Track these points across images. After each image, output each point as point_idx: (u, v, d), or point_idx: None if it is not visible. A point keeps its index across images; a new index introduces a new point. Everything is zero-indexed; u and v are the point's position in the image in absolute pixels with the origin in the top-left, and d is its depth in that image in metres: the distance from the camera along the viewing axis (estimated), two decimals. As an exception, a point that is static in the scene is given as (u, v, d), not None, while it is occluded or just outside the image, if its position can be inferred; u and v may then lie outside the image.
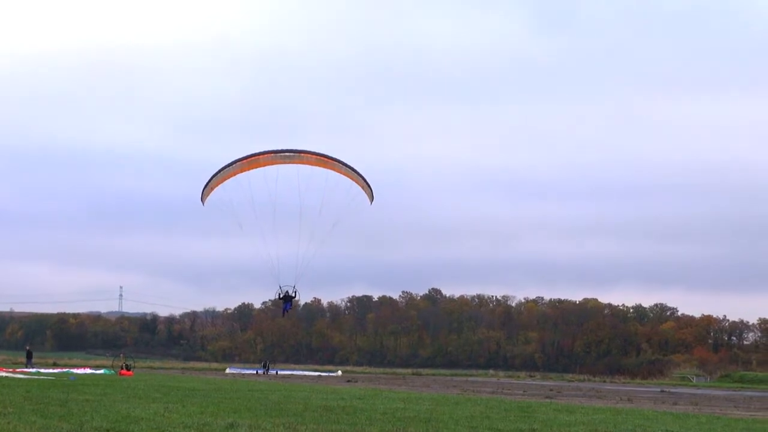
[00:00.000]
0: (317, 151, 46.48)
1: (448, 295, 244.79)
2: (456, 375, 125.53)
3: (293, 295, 48.81)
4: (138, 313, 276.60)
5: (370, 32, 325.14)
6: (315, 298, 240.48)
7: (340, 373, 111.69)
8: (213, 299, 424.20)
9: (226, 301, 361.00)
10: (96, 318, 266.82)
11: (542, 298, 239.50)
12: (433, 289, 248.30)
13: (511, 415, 28.90)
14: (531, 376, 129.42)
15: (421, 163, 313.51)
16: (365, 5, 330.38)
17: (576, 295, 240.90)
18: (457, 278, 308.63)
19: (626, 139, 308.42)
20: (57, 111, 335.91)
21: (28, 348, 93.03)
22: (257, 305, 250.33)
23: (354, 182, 46.76)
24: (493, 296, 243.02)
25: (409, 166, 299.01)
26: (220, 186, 46.21)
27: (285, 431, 20.75)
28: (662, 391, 74.88)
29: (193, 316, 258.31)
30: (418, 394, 45.75)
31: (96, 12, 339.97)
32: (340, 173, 46.30)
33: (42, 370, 74.92)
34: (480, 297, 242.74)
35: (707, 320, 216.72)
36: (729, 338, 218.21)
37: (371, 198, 47.83)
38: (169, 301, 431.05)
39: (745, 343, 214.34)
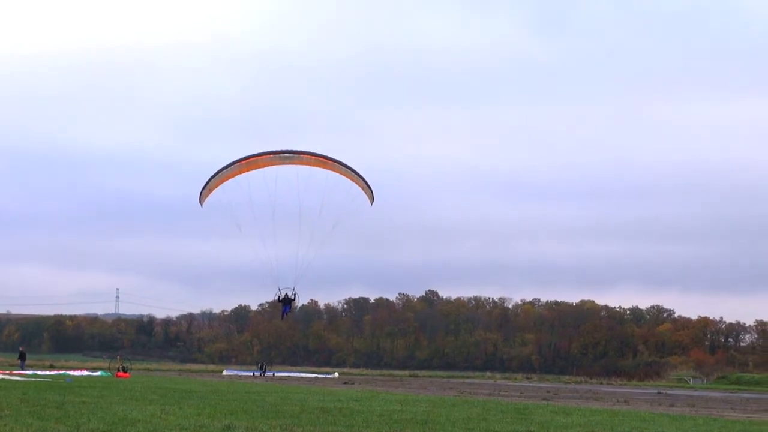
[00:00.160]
0: (317, 151, 46.23)
1: (444, 297, 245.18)
2: (453, 377, 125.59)
3: (293, 297, 48.45)
4: (135, 315, 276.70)
5: (370, 32, 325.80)
6: (312, 299, 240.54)
7: (336, 374, 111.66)
8: (210, 301, 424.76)
9: (222, 303, 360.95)
10: (93, 320, 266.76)
11: (539, 299, 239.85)
12: (429, 290, 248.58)
13: (507, 416, 28.90)
14: (528, 378, 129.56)
15: (419, 163, 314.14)
16: (365, 5, 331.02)
17: (573, 297, 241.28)
18: (454, 280, 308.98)
19: (625, 139, 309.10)
20: (55, 112, 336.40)
21: (21, 349, 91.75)
22: (254, 307, 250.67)
23: (354, 183, 46.50)
24: (489, 298, 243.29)
25: (407, 166, 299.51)
26: (219, 187, 45.95)
27: (282, 433, 20.74)
28: (659, 393, 74.90)
29: (189, 318, 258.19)
30: (415, 396, 45.74)
31: (96, 12, 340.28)
32: (340, 174, 45.98)
33: (38, 372, 74.89)
34: (477, 299, 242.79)
35: (704, 322, 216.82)
36: (726, 340, 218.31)
37: (371, 199, 47.53)
38: (165, 302, 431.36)
39: (741, 344, 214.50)
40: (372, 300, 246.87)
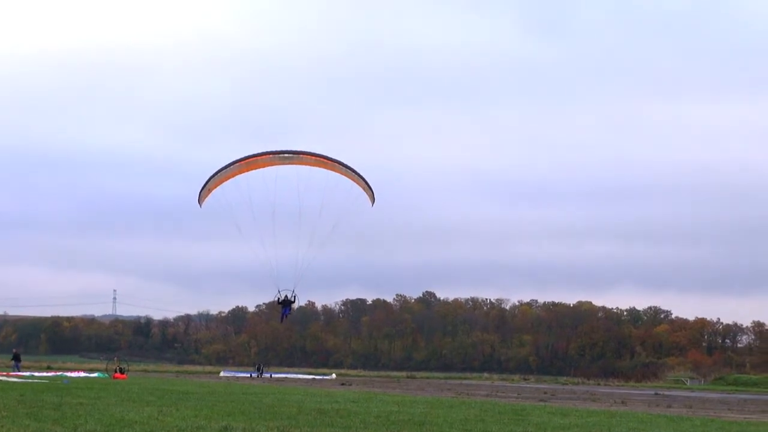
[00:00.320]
0: (317, 151, 46.05)
1: (442, 298, 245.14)
2: (450, 378, 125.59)
3: (292, 299, 48.14)
4: (132, 317, 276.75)
5: (368, 33, 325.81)
6: (309, 301, 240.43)
7: (334, 376, 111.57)
8: (207, 302, 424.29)
9: (220, 305, 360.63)
10: (90, 321, 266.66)
11: (536, 301, 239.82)
12: (427, 292, 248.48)
13: (505, 418, 28.90)
14: (525, 379, 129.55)
15: (416, 164, 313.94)
16: (361, 6, 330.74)
17: (570, 298, 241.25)
18: (452, 281, 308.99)
19: (622, 140, 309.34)
20: (54, 112, 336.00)
21: (15, 351, 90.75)
22: (251, 308, 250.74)
23: (355, 183, 46.24)
24: (487, 299, 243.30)
25: (404, 167, 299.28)
26: (218, 188, 45.66)
27: (279, 434, 20.73)
28: (656, 394, 74.93)
29: (187, 319, 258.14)
30: (413, 398, 45.72)
31: (94, 13, 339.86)
32: (341, 174, 45.63)
33: (35, 374, 74.82)
34: (474, 300, 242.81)
35: (701, 323, 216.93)
36: (723, 341, 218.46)
37: (372, 199, 47.24)
38: (163, 304, 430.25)
39: (738, 345, 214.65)
40: (369, 301, 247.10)
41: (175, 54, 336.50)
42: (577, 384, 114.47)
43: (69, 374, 76.38)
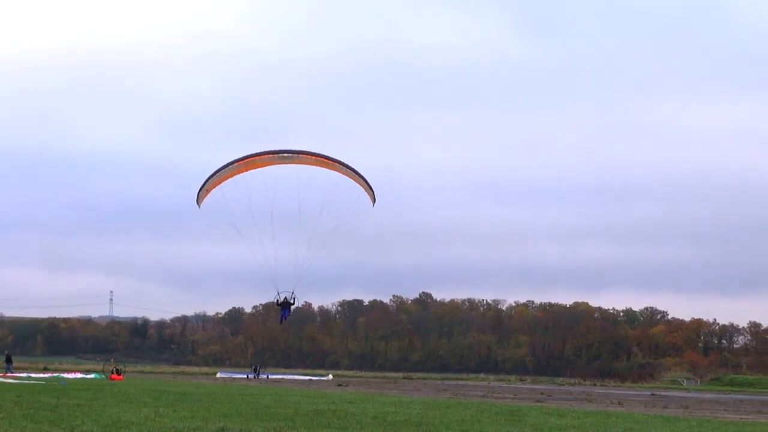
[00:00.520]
0: (317, 151, 45.78)
1: (438, 299, 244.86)
2: (447, 379, 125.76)
3: (292, 301, 47.79)
4: (129, 318, 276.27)
5: (362, 34, 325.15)
6: (306, 302, 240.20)
7: (330, 377, 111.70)
8: (204, 303, 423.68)
9: (216, 305, 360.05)
10: (86, 322, 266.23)
11: (533, 301, 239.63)
12: (423, 293, 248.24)
13: (501, 418, 28.94)
14: (522, 380, 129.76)
15: (411, 165, 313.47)
16: (358, 7, 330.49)
17: (566, 299, 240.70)
18: (448, 282, 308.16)
19: (617, 141, 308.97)
20: (48, 112, 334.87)
21: (7, 353, 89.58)
22: (248, 309, 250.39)
23: (356, 183, 45.92)
24: (483, 300, 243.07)
25: (400, 168, 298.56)
26: (216, 188, 45.29)
27: (276, 435, 20.76)
28: (653, 395, 75.04)
29: (183, 320, 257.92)
30: (409, 398, 45.76)
31: (88, 12, 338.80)
32: (342, 174, 45.18)
33: (32, 375, 74.83)
34: (470, 301, 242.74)
35: (697, 324, 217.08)
36: (719, 342, 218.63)
37: (373, 199, 46.85)
38: (159, 305, 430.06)
39: (735, 346, 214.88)
40: (366, 302, 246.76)
41: (172, 54, 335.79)
42: (574, 385, 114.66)
43: (66, 375, 76.44)
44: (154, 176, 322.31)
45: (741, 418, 37.37)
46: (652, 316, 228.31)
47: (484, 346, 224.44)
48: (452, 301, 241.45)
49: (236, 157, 44.64)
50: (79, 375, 79.61)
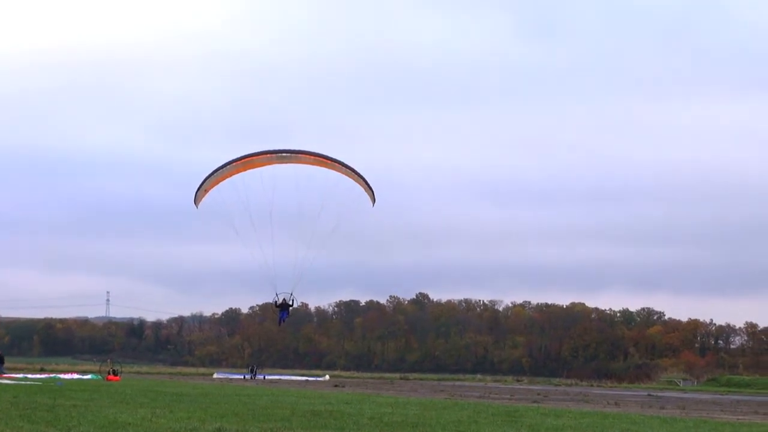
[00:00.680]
0: (316, 151, 45.44)
1: (435, 300, 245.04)
2: (443, 379, 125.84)
3: (291, 303, 47.51)
4: (125, 318, 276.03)
5: (358, 35, 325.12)
6: (302, 302, 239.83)
7: (327, 377, 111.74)
8: (200, 304, 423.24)
9: (213, 306, 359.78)
10: (83, 323, 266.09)
11: (529, 302, 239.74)
12: (420, 293, 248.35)
13: (498, 419, 28.92)
14: (518, 381, 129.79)
15: (409, 166, 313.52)
16: (356, 7, 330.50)
17: (563, 300, 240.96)
18: (445, 283, 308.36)
19: (614, 142, 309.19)
20: (44, 112, 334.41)
21: (0, 353, 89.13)
22: (245, 310, 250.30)
23: (355, 183, 45.69)
24: (480, 300, 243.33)
25: (397, 168, 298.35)
26: (214, 188, 44.99)
27: (272, 436, 20.74)
28: (649, 395, 75.08)
29: (180, 320, 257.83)
30: (406, 399, 45.73)
31: (84, 11, 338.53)
32: (341, 174, 44.76)
33: (29, 376, 74.75)
34: (467, 301, 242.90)
35: (694, 324, 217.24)
36: (716, 342, 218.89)
37: (373, 199, 46.53)
38: (156, 305, 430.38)
39: (731, 347, 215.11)
40: (362, 303, 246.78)
41: (170, 53, 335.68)
42: (570, 385, 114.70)
43: (62, 376, 76.37)
44: (150, 176, 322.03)
45: (738, 419, 37.37)
46: (648, 316, 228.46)
47: (480, 347, 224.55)
48: (449, 302, 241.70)
49: (234, 157, 44.43)
50: (75, 376, 79.53)
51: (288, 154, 44.48)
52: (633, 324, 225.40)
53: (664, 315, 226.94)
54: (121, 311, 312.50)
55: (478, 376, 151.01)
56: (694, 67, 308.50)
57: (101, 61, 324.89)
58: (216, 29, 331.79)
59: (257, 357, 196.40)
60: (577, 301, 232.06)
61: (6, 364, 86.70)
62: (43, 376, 77.38)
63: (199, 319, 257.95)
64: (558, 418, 31.23)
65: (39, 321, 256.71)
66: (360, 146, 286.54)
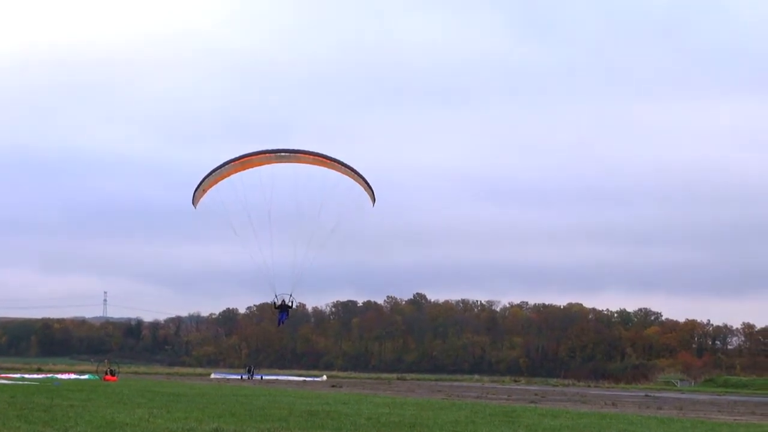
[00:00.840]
0: (315, 150, 45.09)
1: (432, 300, 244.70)
2: (441, 380, 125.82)
3: (290, 304, 47.28)
4: (123, 318, 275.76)
5: (356, 34, 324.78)
6: (300, 302, 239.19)
7: (324, 377, 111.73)
8: (198, 304, 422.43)
9: (210, 306, 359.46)
10: (80, 323, 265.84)
11: (527, 302, 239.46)
12: (417, 294, 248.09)
13: (495, 419, 28.95)
14: (516, 381, 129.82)
15: (406, 166, 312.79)
16: (353, 7, 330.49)
17: (560, 300, 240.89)
18: (442, 283, 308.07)
19: (611, 142, 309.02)
20: (41, 113, 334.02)
21: None
22: (242, 310, 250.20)
23: (355, 182, 45.47)
24: (477, 301, 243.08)
25: (394, 169, 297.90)
26: (212, 188, 44.69)
27: (270, 436, 20.75)
28: (647, 396, 75.15)
29: (177, 321, 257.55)
30: (403, 399, 45.76)
31: (81, 11, 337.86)
32: (341, 173, 44.50)
33: (26, 376, 74.74)
34: (465, 302, 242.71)
35: (691, 325, 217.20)
36: (713, 343, 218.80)
37: (373, 199, 46.27)
38: (153, 305, 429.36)
39: (729, 347, 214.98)
40: (360, 303, 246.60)
41: (166, 53, 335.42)
42: (568, 386, 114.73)
43: (59, 376, 76.36)
44: (148, 177, 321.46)
45: (735, 419, 37.42)
46: (646, 317, 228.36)
47: (478, 347, 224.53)
48: (446, 302, 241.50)
49: (233, 157, 44.17)
50: (72, 376, 79.52)
51: (287, 154, 44.20)
52: (630, 324, 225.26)
53: (662, 315, 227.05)
54: (118, 311, 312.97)
55: (476, 376, 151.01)
56: (692, 66, 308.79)
57: (99, 61, 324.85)
58: (216, 28, 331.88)
59: (254, 357, 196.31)
60: (574, 301, 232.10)
61: (3, 365, 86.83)
62: (40, 376, 77.36)
63: (196, 320, 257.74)
64: (555, 418, 31.26)
65: (36, 321, 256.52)
66: (358, 146, 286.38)
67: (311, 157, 44.29)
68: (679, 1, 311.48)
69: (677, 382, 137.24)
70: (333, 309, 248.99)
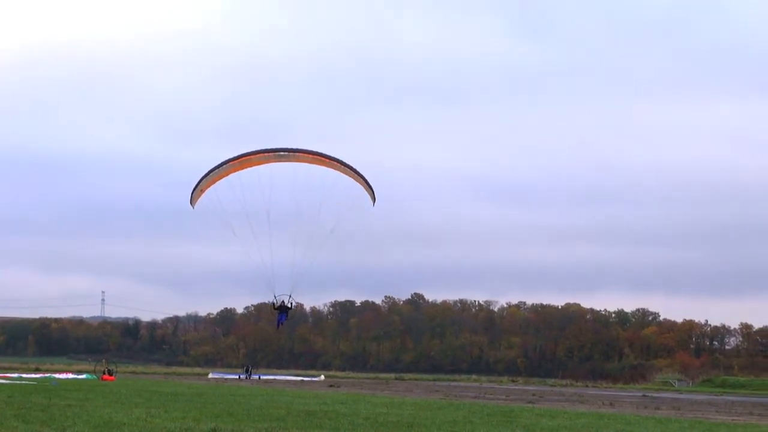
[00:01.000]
0: (314, 149, 44.74)
1: (430, 300, 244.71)
2: (439, 380, 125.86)
3: (289, 305, 47.09)
4: (120, 318, 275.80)
5: (354, 34, 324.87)
6: (297, 302, 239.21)
7: (322, 377, 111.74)
8: (195, 304, 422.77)
9: (208, 306, 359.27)
10: (78, 323, 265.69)
11: (525, 303, 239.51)
12: (415, 293, 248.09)
13: (493, 419, 28.94)
14: (513, 381, 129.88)
15: (404, 166, 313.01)
16: (353, 7, 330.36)
17: (558, 300, 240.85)
18: (440, 283, 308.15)
19: (609, 142, 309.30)
20: (40, 113, 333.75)
21: None
22: (240, 310, 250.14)
23: (355, 182, 45.24)
24: (475, 301, 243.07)
25: (392, 169, 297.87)
26: (211, 188, 44.45)
27: (267, 436, 20.73)
28: (644, 396, 75.13)
29: (175, 320, 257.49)
30: (401, 399, 45.74)
31: (79, 10, 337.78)
32: (340, 172, 44.18)
33: (24, 375, 74.69)
34: (463, 302, 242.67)
35: (689, 325, 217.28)
36: (711, 343, 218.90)
37: (373, 198, 46.00)
38: (151, 305, 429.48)
39: (726, 347, 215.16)
40: (358, 303, 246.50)
41: (166, 53, 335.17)
42: (566, 386, 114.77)
43: (57, 376, 76.33)
44: (145, 176, 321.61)
45: (732, 420, 37.42)
46: (643, 317, 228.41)
47: (476, 347, 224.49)
48: (444, 302, 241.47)
49: (230, 156, 43.93)
50: (70, 375, 79.50)
51: (286, 153, 43.95)
52: (628, 324, 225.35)
53: (659, 316, 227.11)
54: (116, 311, 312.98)
55: (474, 376, 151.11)
56: (691, 67, 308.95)
57: (97, 60, 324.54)
58: (216, 28, 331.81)
59: (252, 357, 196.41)
60: (572, 301, 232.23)
61: (1, 364, 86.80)
62: (38, 375, 77.30)
63: (194, 319, 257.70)
64: (553, 418, 31.26)
65: (34, 321, 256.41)
66: (353, 146, 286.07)
67: (310, 156, 44.04)
68: (679, 1, 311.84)
69: (675, 383, 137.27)
70: (331, 309, 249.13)
